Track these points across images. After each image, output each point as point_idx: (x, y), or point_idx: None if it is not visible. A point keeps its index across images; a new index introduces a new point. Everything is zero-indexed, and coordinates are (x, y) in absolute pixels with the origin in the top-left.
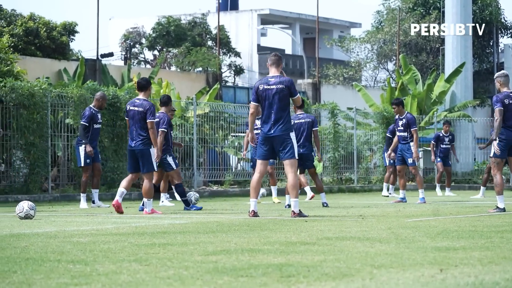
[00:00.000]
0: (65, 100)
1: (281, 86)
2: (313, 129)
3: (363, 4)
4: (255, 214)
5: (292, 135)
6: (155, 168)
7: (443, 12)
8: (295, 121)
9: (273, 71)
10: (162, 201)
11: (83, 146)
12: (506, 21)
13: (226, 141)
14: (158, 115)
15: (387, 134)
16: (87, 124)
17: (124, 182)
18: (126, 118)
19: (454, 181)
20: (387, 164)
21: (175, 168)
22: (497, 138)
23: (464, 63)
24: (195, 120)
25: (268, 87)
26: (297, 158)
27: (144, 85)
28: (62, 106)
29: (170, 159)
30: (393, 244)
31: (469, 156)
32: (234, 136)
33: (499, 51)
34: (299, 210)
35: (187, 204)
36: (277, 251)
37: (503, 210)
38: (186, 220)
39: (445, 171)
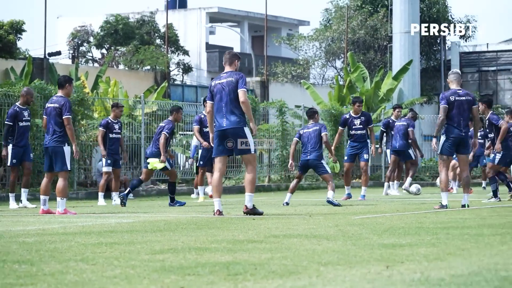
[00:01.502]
0: (11, 99)
1: (230, 79)
2: (322, 133)
3: (312, 2)
4: (220, 213)
5: (247, 129)
6: (69, 167)
7: (391, 10)
8: (304, 131)
9: (227, 69)
10: (114, 200)
11: (10, 145)
12: (453, 19)
13: (174, 140)
14: (165, 122)
15: (382, 129)
16: (11, 123)
17: (42, 189)
18: (44, 116)
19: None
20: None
21: (169, 168)
22: (438, 136)
23: (411, 61)
24: (143, 119)
25: (220, 81)
26: (253, 152)
27: (61, 82)
28: (9, 105)
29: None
30: (340, 241)
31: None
32: (182, 134)
33: (446, 48)
34: (253, 205)
35: (172, 200)
36: (224, 249)
37: (446, 207)
38: (133, 219)
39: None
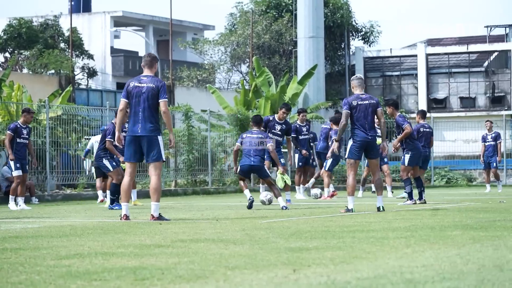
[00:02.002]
0: None
1: (151, 85)
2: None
3: (217, 6)
4: (127, 218)
5: (160, 138)
6: None
7: (296, 15)
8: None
9: (146, 72)
10: (19, 205)
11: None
12: (357, 24)
13: (79, 144)
14: (108, 125)
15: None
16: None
17: None
18: None
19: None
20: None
21: (112, 170)
22: (339, 139)
23: (316, 66)
24: (48, 123)
25: (139, 84)
26: (163, 160)
27: None
28: None
29: (106, 162)
30: (247, 245)
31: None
32: (87, 139)
33: (351, 53)
34: (159, 214)
35: (112, 202)
36: (131, 254)
37: (351, 210)
38: (38, 224)
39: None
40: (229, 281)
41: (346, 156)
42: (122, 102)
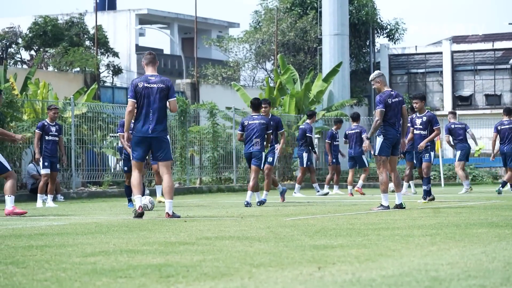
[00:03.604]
0: None
1: (162, 86)
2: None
3: (242, 4)
4: (142, 209)
5: (168, 137)
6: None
7: (320, 12)
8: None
9: (150, 70)
10: (47, 203)
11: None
12: (382, 21)
13: (104, 142)
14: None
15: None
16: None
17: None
18: None
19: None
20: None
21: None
22: (371, 137)
23: (341, 63)
24: (73, 121)
25: (149, 85)
26: (172, 159)
27: None
28: None
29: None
30: (272, 243)
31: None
32: (112, 136)
33: (375, 50)
34: (173, 212)
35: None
36: (156, 251)
37: (387, 208)
38: (64, 221)
39: (335, 170)
40: (254, 278)
41: (376, 153)
42: (131, 102)
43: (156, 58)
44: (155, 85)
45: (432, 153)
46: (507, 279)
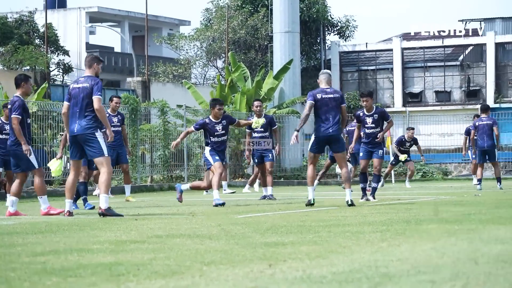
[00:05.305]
0: None
1: (85, 85)
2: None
3: (192, 1)
4: (70, 214)
5: (99, 133)
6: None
7: (271, 9)
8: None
9: (86, 72)
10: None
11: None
12: (332, 18)
13: (55, 141)
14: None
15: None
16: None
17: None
18: None
19: (284, 176)
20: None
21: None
22: (299, 129)
23: (291, 60)
24: None
25: (77, 85)
26: (106, 155)
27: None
28: None
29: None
30: (223, 240)
31: (297, 152)
32: (62, 135)
33: (326, 48)
34: (108, 206)
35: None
36: (106, 250)
37: (311, 201)
38: (14, 221)
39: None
40: (204, 276)
41: (309, 149)
42: (65, 105)
43: (94, 60)
44: (81, 85)
45: (384, 149)
46: (456, 274)
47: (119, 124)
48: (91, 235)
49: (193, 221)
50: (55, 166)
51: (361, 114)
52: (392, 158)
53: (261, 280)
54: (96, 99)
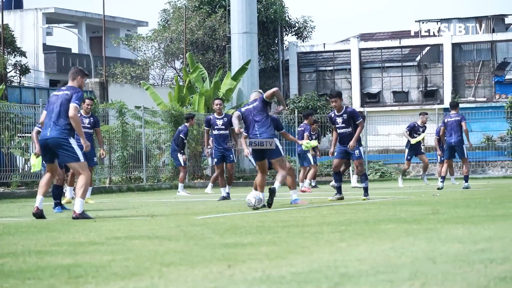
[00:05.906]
0: None
1: (66, 92)
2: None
3: (150, 2)
4: (38, 209)
5: (72, 140)
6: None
7: (229, 10)
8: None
9: (69, 83)
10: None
11: None
12: (290, 19)
13: (12, 142)
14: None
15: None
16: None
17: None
18: None
19: (242, 177)
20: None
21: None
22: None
23: (249, 61)
24: None
25: (57, 93)
26: (81, 160)
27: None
28: None
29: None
30: (182, 241)
31: None
32: (20, 136)
33: (284, 48)
34: (83, 210)
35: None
36: (65, 252)
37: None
38: None
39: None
40: (164, 277)
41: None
42: (43, 114)
43: (77, 73)
44: (61, 93)
45: (360, 149)
46: (415, 274)
47: (89, 126)
48: (49, 237)
49: (152, 222)
50: (33, 161)
51: (333, 115)
52: (407, 152)
53: (221, 281)
54: (72, 106)
